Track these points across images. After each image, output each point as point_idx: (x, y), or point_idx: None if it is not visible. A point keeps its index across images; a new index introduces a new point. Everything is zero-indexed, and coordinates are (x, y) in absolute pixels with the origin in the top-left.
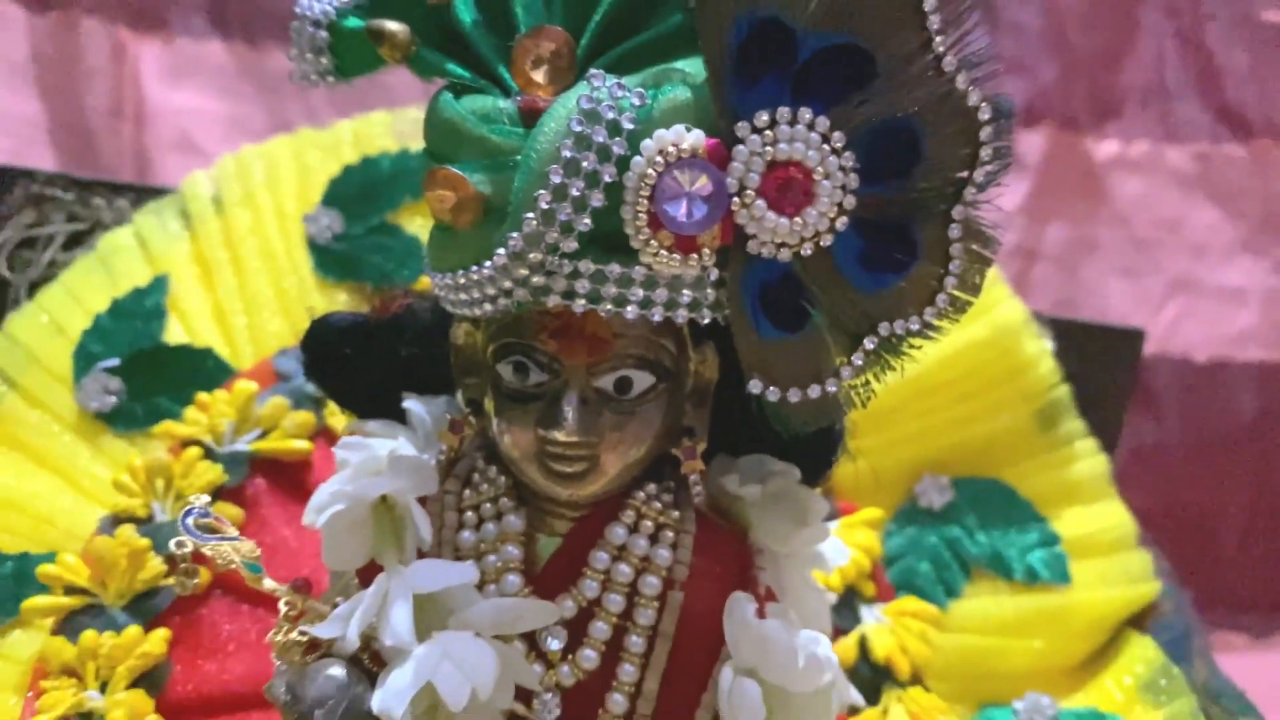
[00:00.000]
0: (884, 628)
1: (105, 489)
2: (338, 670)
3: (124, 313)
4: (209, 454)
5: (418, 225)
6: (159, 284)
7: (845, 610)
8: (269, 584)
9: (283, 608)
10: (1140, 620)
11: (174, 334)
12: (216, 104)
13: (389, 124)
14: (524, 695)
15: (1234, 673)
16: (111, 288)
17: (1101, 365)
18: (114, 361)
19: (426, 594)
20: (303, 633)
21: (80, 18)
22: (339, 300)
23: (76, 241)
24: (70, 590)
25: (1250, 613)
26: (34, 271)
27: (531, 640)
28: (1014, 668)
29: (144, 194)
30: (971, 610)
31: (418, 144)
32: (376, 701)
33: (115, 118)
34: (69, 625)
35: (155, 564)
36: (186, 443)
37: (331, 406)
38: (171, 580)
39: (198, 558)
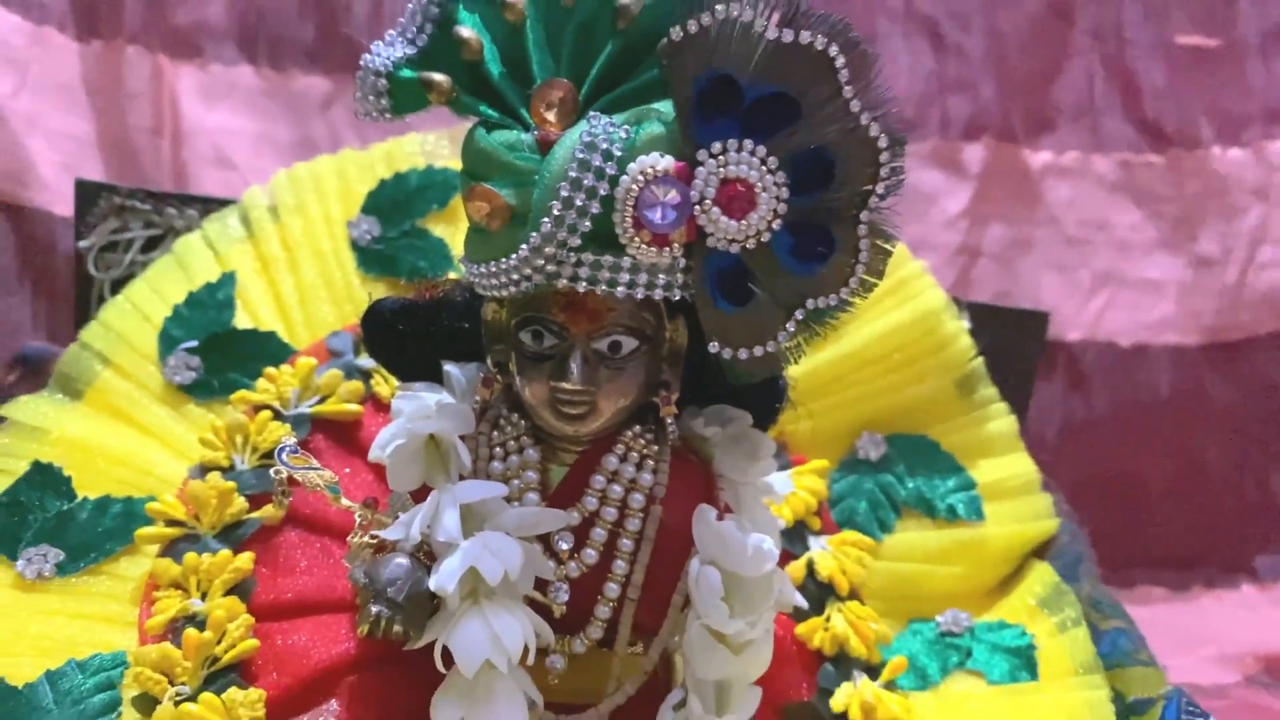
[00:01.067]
0: (827, 554)
1: (190, 447)
2: (404, 559)
3: (199, 303)
4: (277, 416)
5: (441, 229)
6: (227, 279)
7: (796, 540)
8: (345, 502)
9: (357, 519)
10: (1041, 551)
11: (241, 320)
12: (246, 123)
13: (417, 145)
14: (540, 586)
15: (1154, 620)
16: (187, 283)
17: (1013, 341)
18: (193, 343)
19: (468, 505)
20: (373, 537)
21: (124, 46)
22: (379, 291)
23: (152, 245)
24: (171, 523)
25: (1169, 568)
26: (116, 271)
27: (546, 543)
28: (936, 590)
29: (210, 204)
30: (901, 542)
31: (440, 163)
32: (433, 581)
33: (156, 136)
34: (171, 550)
35: (239, 502)
36: (258, 407)
37: (377, 377)
38: (255, 514)
39: (291, 482)
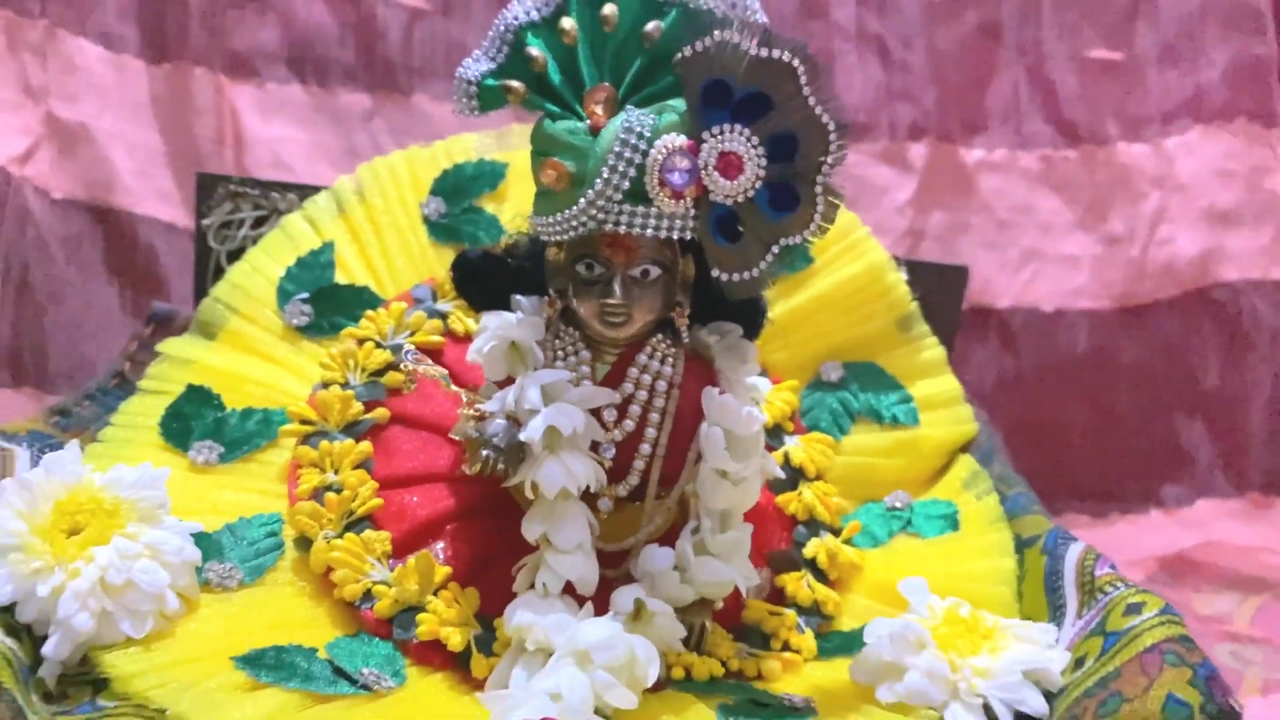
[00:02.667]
0: (799, 447)
1: (307, 372)
2: (502, 420)
3: (306, 265)
4: (379, 346)
5: (492, 207)
6: (327, 247)
7: (775, 438)
8: (454, 387)
9: (463, 399)
10: (965, 447)
11: (340, 278)
12: (299, 133)
13: (471, 142)
14: (593, 448)
15: None
16: (294, 250)
17: (941, 289)
18: (305, 294)
19: (544, 385)
20: (476, 410)
21: (190, 68)
22: (447, 255)
23: (260, 224)
24: (304, 422)
25: (1090, 499)
26: (230, 244)
27: (597, 416)
28: (884, 479)
29: (305, 190)
30: (855, 442)
31: (489, 156)
32: (523, 434)
33: (219, 145)
34: (307, 441)
35: (357, 406)
36: (362, 340)
37: (452, 316)
38: (368, 415)
39: (414, 373)
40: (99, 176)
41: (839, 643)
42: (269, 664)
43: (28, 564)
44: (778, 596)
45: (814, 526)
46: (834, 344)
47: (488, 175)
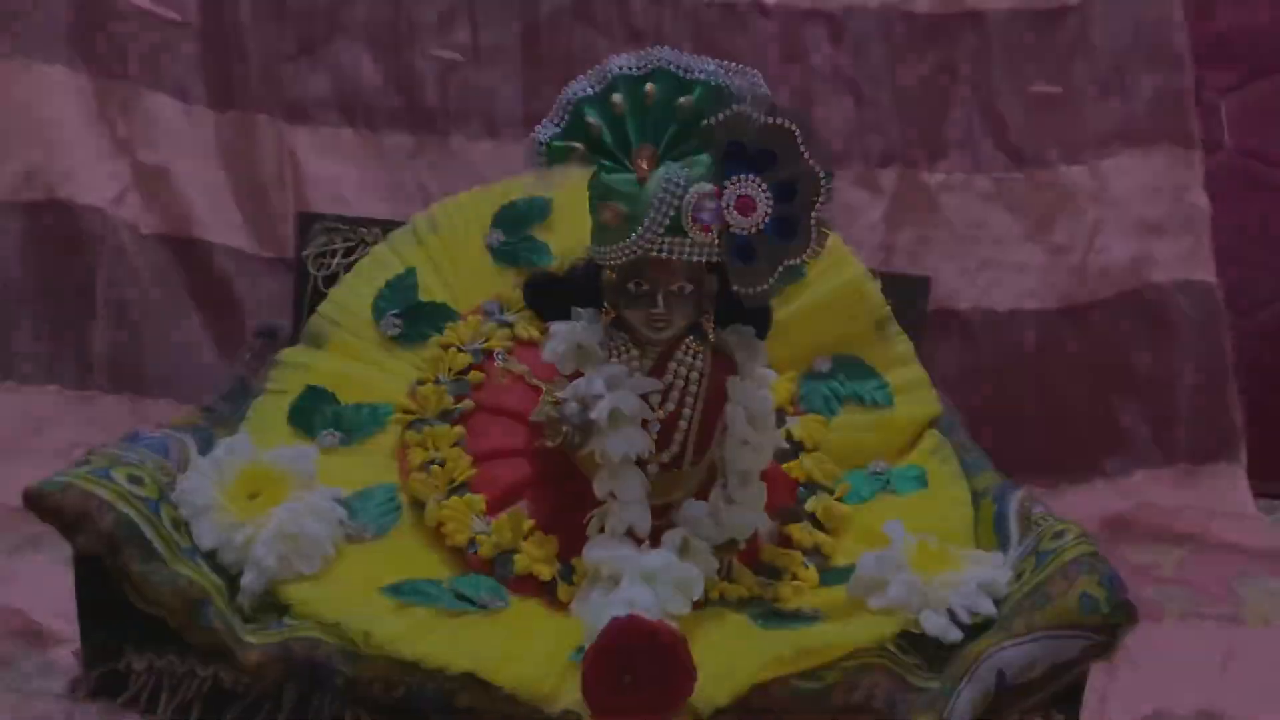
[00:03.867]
0: (798, 425)
1: (403, 373)
2: (575, 404)
3: (395, 287)
4: (461, 350)
5: (543, 236)
6: (410, 272)
7: (778, 419)
8: (535, 380)
9: (544, 388)
10: (932, 423)
11: (424, 296)
12: (350, 171)
13: (524, 182)
14: (644, 425)
15: None
16: (384, 275)
17: (908, 296)
18: (396, 310)
19: (606, 376)
20: (553, 398)
21: (253, 115)
22: (509, 276)
23: (349, 254)
24: (406, 411)
25: (1042, 473)
26: (325, 271)
27: (646, 399)
28: (865, 449)
29: (388, 225)
30: (843, 422)
31: (539, 194)
32: (593, 414)
33: (280, 183)
34: (411, 427)
35: (448, 398)
36: (447, 346)
37: (518, 325)
38: (458, 405)
39: (505, 370)
40: (179, 213)
41: (835, 576)
42: (407, 591)
43: (225, 519)
44: (786, 542)
45: (812, 488)
46: (823, 342)
47: (538, 210)
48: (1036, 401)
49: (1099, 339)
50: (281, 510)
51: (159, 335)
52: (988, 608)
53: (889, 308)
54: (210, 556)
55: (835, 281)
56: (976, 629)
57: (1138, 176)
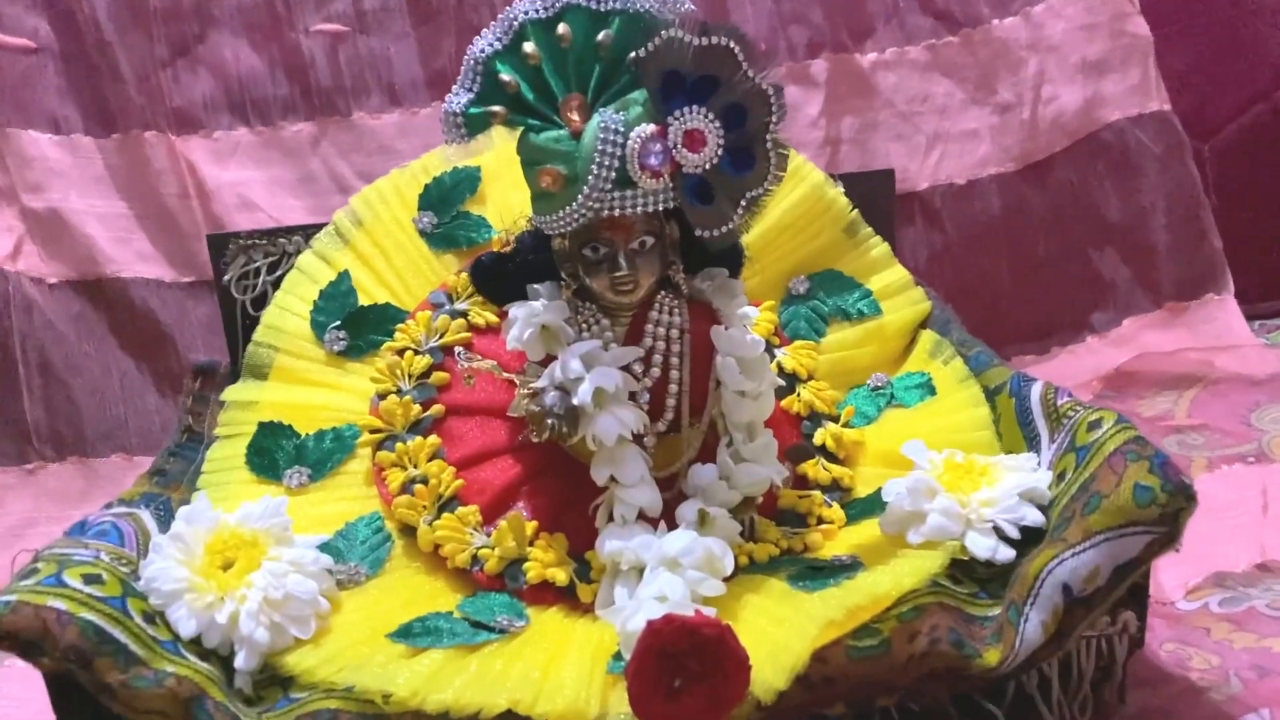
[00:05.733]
0: (787, 356)
1: (359, 388)
2: (555, 391)
3: (330, 296)
4: (417, 352)
5: (477, 209)
6: (344, 275)
7: (765, 352)
8: (505, 374)
9: (517, 381)
10: (924, 323)
11: (363, 300)
12: (255, 172)
13: (441, 155)
14: (631, 398)
15: None
16: (314, 285)
17: (874, 193)
18: (337, 322)
19: (581, 354)
20: (529, 389)
21: (139, 133)
22: (449, 260)
23: (274, 267)
24: (374, 431)
25: (1030, 340)
26: (251, 293)
27: (628, 370)
28: (861, 365)
29: (309, 230)
30: (832, 340)
31: (461, 164)
32: (576, 399)
33: (185, 199)
34: (382, 446)
35: (415, 408)
36: (401, 350)
37: (472, 313)
38: (428, 412)
39: (471, 369)
40: (83, 254)
41: (861, 508)
42: (418, 632)
43: (201, 600)
44: (801, 483)
45: (816, 419)
46: (795, 261)
47: (466, 181)
48: (1012, 269)
49: (1064, 192)
50: (261, 575)
51: (93, 389)
52: (1035, 517)
53: (855, 211)
54: (195, 644)
55: (794, 194)
56: (1026, 541)
57: (1072, 16)
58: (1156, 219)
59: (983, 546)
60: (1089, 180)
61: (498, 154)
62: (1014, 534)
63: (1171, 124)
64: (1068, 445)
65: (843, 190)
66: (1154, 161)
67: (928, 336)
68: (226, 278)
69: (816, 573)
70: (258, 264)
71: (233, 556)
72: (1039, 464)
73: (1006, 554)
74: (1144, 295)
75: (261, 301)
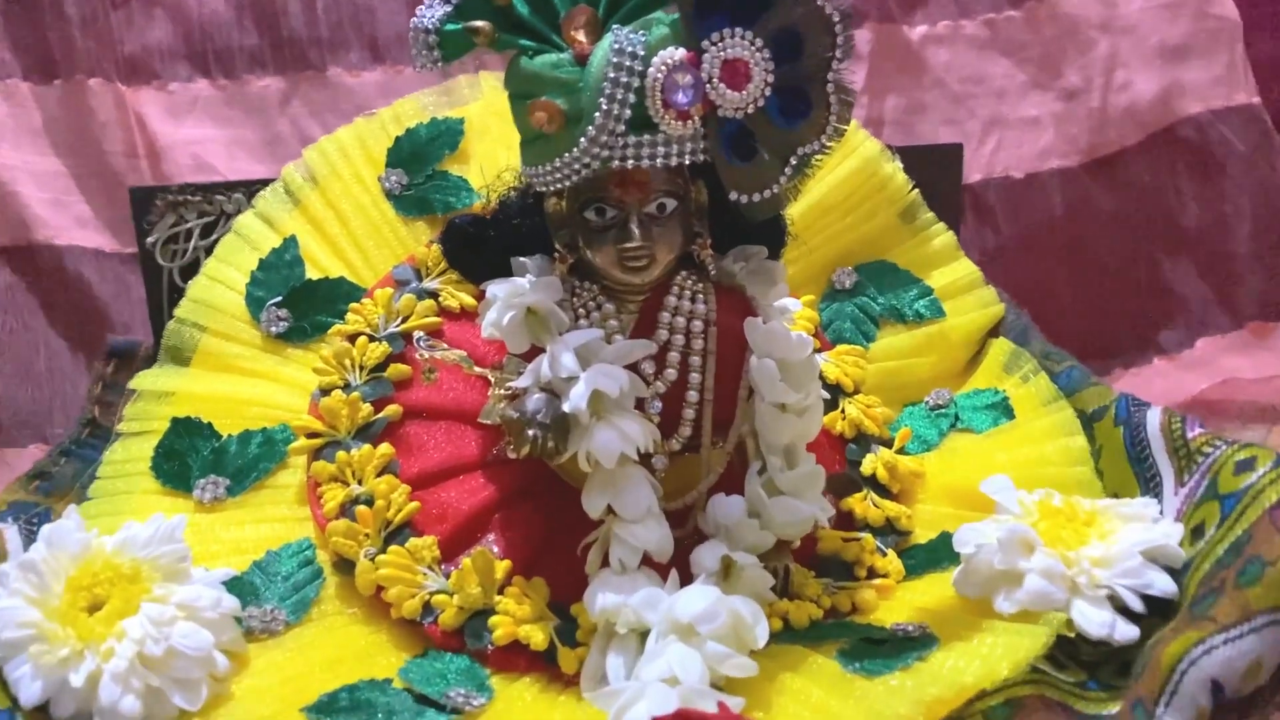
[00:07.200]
0: (830, 364)
1: (300, 381)
2: (540, 394)
3: (271, 266)
4: (372, 339)
5: (457, 169)
6: (290, 242)
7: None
8: (478, 369)
9: (492, 378)
10: (995, 330)
11: (311, 273)
12: (215, 130)
13: (418, 103)
14: (638, 405)
15: None
16: (254, 252)
17: (937, 173)
18: (277, 298)
19: (577, 346)
20: (506, 389)
21: (83, 81)
22: (421, 229)
23: (209, 231)
24: (312, 435)
25: (1091, 358)
26: (181, 260)
27: (635, 369)
28: (919, 378)
29: (252, 186)
30: (883, 346)
31: (440, 114)
32: (567, 405)
33: (131, 158)
34: (321, 455)
35: (365, 408)
36: (353, 336)
37: (443, 294)
38: (380, 414)
39: (433, 361)
40: (12, 216)
41: (923, 557)
42: (344, 707)
43: (53, 654)
44: (846, 521)
45: (864, 442)
46: (840, 248)
47: (445, 135)
48: (1072, 277)
49: (1134, 192)
50: (138, 623)
51: (15, 369)
52: (1164, 584)
53: (916, 191)
54: (40, 714)
55: (843, 167)
56: (1151, 614)
57: None
58: (1239, 226)
59: (1095, 621)
60: (1163, 180)
61: (485, 104)
62: (1136, 605)
63: (1260, 119)
64: (1206, 491)
65: (901, 166)
66: (1239, 161)
67: (1001, 346)
68: (151, 240)
69: (876, 648)
70: (189, 224)
71: (103, 595)
72: (1161, 512)
73: (1127, 632)
74: (1221, 313)
75: (192, 270)
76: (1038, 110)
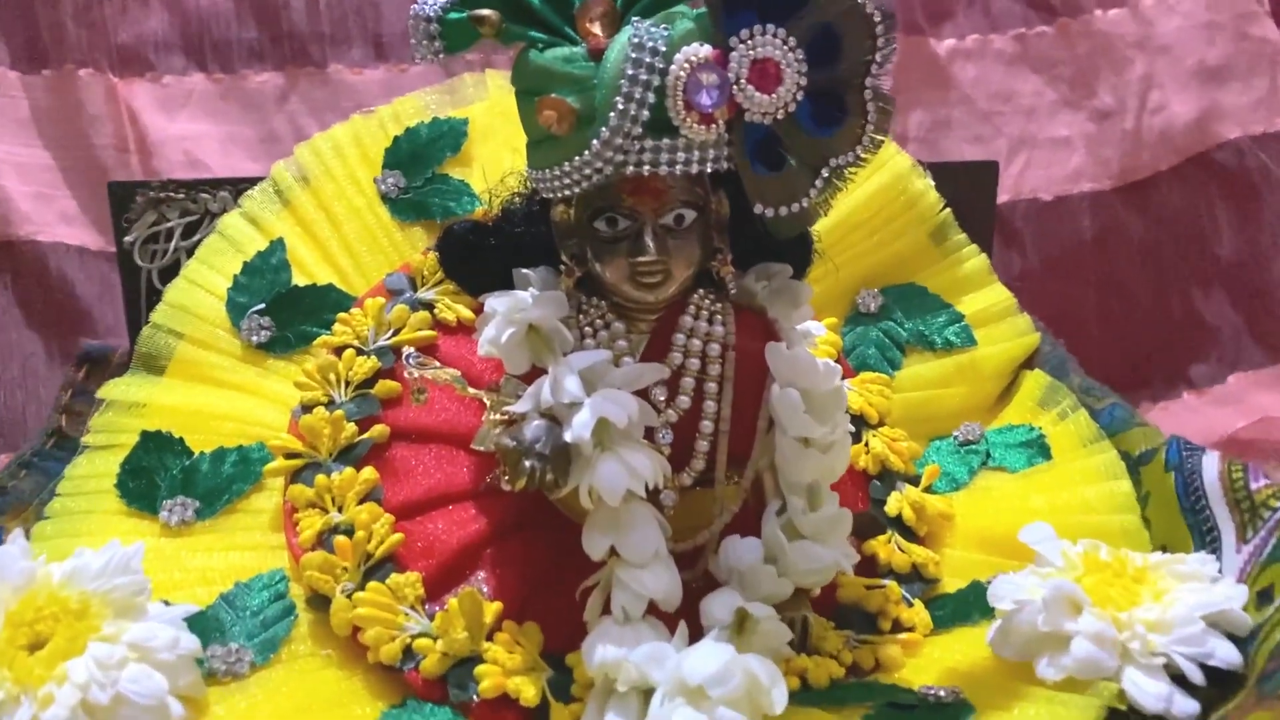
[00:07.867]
0: (853, 392)
1: (281, 395)
2: (540, 420)
3: (256, 270)
4: (360, 352)
5: (459, 172)
6: (277, 245)
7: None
8: (472, 390)
9: (488, 401)
10: (1030, 361)
11: (298, 279)
12: (209, 126)
13: (420, 102)
14: (647, 435)
15: None
16: (238, 255)
17: (970, 191)
18: (260, 305)
19: (581, 370)
20: (504, 413)
21: (73, 71)
22: (418, 235)
23: (191, 231)
24: (291, 455)
25: (1117, 391)
26: (161, 260)
27: (644, 396)
28: (948, 410)
29: (240, 184)
30: (910, 375)
31: (443, 114)
32: (569, 434)
33: (123, 153)
34: (299, 478)
35: (349, 427)
36: (339, 349)
37: (439, 306)
38: (366, 435)
39: (423, 380)
40: None
41: (952, 609)
42: None
43: None
44: (868, 566)
45: (889, 479)
46: (866, 268)
47: (447, 136)
48: (1100, 305)
49: (1168, 218)
50: (83, 664)
51: None
52: (1228, 654)
53: (948, 210)
54: None
55: (871, 182)
56: (1213, 685)
57: (1189, 12)
58: (1276, 257)
59: (1150, 693)
60: (1198, 206)
61: (491, 104)
62: (1197, 677)
63: None
64: (1275, 550)
65: (932, 183)
66: (1277, 189)
67: (1036, 379)
68: (130, 238)
69: (904, 715)
70: (171, 224)
71: (45, 632)
72: (1220, 571)
73: (1186, 707)
74: (1256, 347)
75: (172, 272)
76: (1068, 130)
